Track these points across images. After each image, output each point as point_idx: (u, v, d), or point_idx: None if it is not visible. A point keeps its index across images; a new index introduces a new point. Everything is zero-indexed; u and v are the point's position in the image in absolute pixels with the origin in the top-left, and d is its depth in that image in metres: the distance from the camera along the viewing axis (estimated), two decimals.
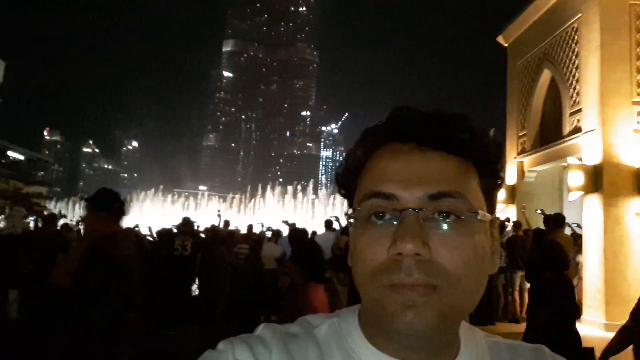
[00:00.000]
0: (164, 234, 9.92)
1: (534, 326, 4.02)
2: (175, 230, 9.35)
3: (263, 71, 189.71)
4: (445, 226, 0.55)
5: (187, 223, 8.84)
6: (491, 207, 0.62)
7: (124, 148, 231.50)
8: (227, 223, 14.05)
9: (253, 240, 9.07)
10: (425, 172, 0.58)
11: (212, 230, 11.65)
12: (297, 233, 8.86)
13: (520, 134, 11.28)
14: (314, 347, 0.62)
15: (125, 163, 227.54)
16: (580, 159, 8.48)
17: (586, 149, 8.38)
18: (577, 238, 8.33)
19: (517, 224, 8.76)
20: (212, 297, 8.56)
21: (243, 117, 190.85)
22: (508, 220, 9.69)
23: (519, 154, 11.27)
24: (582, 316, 7.92)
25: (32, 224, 12.91)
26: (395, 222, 0.56)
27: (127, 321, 2.89)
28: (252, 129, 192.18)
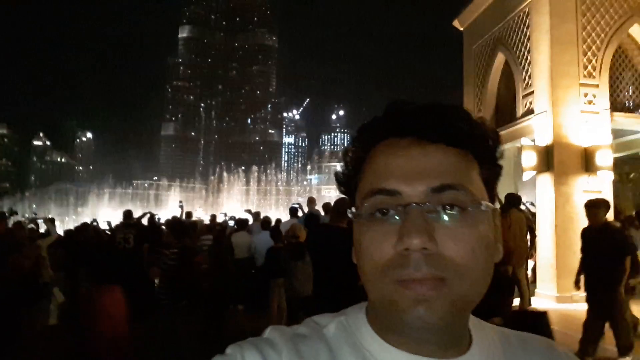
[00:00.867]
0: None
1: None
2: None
3: (221, 57, 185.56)
4: (449, 218, 0.56)
5: (128, 216, 8.62)
6: (492, 196, 0.63)
7: (78, 140, 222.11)
8: (189, 214, 13.81)
9: (217, 230, 8.97)
10: (426, 165, 0.58)
11: (173, 222, 11.43)
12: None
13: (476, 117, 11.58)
14: (324, 346, 0.61)
15: (80, 155, 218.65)
16: (534, 140, 8.82)
17: (538, 130, 8.71)
18: (532, 216, 8.70)
19: None
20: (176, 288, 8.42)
21: (202, 105, 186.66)
22: None
23: None
24: (536, 290, 8.33)
25: None
26: (399, 218, 0.56)
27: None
28: (212, 117, 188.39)
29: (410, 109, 0.62)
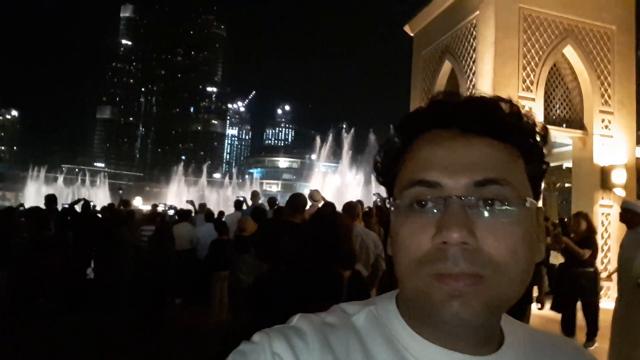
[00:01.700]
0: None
1: None
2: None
3: (166, 42, 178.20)
4: (491, 214, 0.54)
5: (50, 201, 8.14)
6: (537, 193, 0.61)
7: (0, 117, 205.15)
8: (126, 202, 13.22)
9: (159, 220, 8.67)
10: (470, 158, 0.56)
11: (110, 210, 10.92)
12: None
13: None
14: (354, 337, 0.59)
15: (2, 134, 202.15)
16: None
17: None
18: None
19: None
20: (112, 280, 8.06)
21: (142, 89, 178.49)
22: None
23: None
24: None
25: None
26: (437, 211, 0.54)
27: None
28: (152, 102, 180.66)
29: (455, 101, 0.60)
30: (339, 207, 4.79)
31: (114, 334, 6.40)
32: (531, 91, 9.01)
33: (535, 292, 7.70)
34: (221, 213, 11.24)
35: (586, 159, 9.50)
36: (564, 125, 9.76)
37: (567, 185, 10.96)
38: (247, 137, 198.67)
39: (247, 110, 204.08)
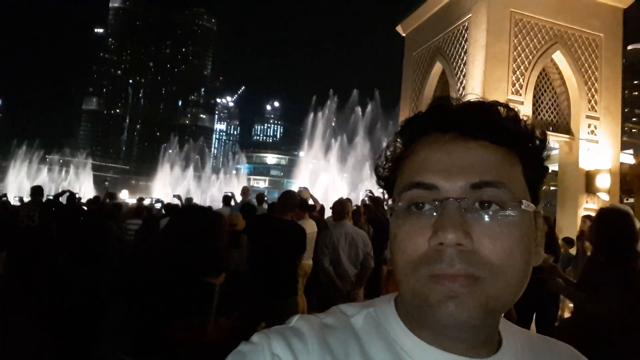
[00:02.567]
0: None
1: None
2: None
3: (155, 34, 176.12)
4: (487, 216, 0.54)
5: (35, 192, 8.06)
6: (535, 197, 0.61)
7: None
8: (112, 195, 13.07)
9: (147, 214, 8.59)
10: (466, 161, 0.57)
11: (96, 203, 10.79)
12: None
13: None
14: (353, 338, 0.59)
15: None
16: None
17: None
18: None
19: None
20: (97, 272, 7.97)
21: (130, 81, 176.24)
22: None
23: None
24: None
25: None
26: (435, 213, 0.55)
27: None
28: (139, 95, 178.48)
29: (454, 105, 0.61)
30: (328, 205, 4.80)
31: (98, 326, 6.32)
32: (520, 95, 9.11)
33: None
34: (209, 208, 11.18)
35: (572, 163, 9.65)
36: (551, 129, 9.89)
37: (552, 188, 11.12)
38: (235, 133, 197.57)
39: (236, 106, 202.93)
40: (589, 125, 9.65)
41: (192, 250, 2.07)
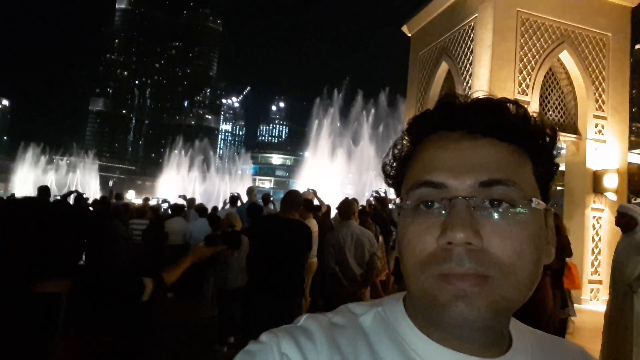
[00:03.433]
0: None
1: None
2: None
3: (161, 35, 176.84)
4: (497, 214, 0.53)
5: (42, 192, 8.12)
6: (546, 195, 0.61)
7: None
8: (119, 196, 13.17)
9: (153, 215, 8.64)
10: (475, 159, 0.56)
11: (102, 203, 10.85)
12: None
13: None
14: (362, 338, 0.59)
15: None
16: None
17: None
18: None
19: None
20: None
21: (137, 82, 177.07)
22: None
23: None
24: None
25: None
26: (443, 212, 0.54)
27: None
28: (146, 95, 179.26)
29: (462, 102, 0.60)
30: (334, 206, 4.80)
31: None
32: (527, 95, 9.07)
33: None
34: (214, 208, 11.23)
35: (579, 163, 9.59)
36: (558, 129, 9.84)
37: (559, 188, 11.07)
38: (240, 133, 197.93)
39: (242, 106, 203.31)
40: (597, 125, 9.59)
41: (19, 253, 1.62)
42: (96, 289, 1.89)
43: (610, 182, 9.18)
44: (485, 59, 9.09)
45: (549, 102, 9.85)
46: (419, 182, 0.58)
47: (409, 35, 12.66)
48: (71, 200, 9.70)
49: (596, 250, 9.18)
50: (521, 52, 9.13)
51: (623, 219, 4.70)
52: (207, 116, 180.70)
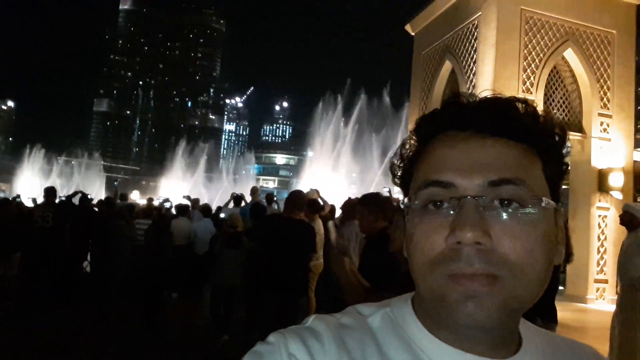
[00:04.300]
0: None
1: None
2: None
3: (165, 35, 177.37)
4: (506, 214, 0.53)
5: (48, 193, 8.16)
6: (556, 194, 0.60)
7: None
8: (124, 196, 13.20)
9: (156, 214, 8.65)
10: (484, 158, 0.55)
11: (107, 204, 10.88)
12: None
13: None
14: (370, 338, 0.59)
15: None
16: None
17: None
18: None
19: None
20: (109, 273, 8.05)
21: (140, 83, 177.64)
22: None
23: None
24: None
25: None
26: (451, 211, 0.54)
27: None
28: (149, 96, 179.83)
29: (470, 102, 0.60)
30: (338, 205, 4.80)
31: (108, 327, 6.39)
32: (531, 93, 9.03)
33: None
34: (218, 208, 11.24)
35: (584, 161, 9.54)
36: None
37: (563, 187, 11.03)
38: (244, 133, 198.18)
39: (245, 106, 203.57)
40: (602, 123, 9.53)
41: None
42: None
43: (616, 180, 9.13)
44: (489, 57, 9.06)
45: (553, 100, 9.81)
46: (427, 181, 0.57)
47: (412, 34, 12.63)
48: (76, 200, 9.73)
49: (602, 250, 9.14)
50: (525, 50, 9.10)
51: (627, 218, 4.69)
52: (210, 116, 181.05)
